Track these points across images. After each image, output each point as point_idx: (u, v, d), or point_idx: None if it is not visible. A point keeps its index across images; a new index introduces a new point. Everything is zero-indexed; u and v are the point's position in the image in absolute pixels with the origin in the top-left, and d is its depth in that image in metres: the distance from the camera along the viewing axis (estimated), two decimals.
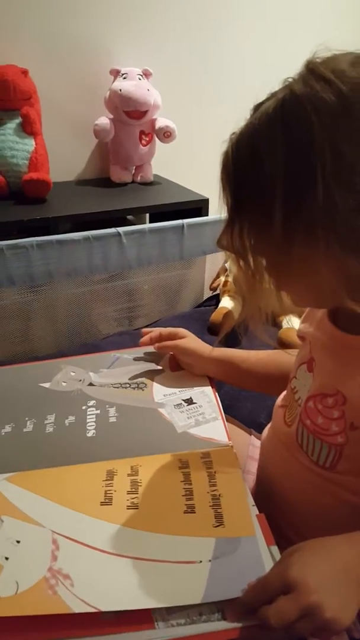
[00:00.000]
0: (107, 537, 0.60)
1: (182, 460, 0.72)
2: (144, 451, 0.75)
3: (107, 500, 0.65)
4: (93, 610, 0.51)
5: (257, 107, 0.53)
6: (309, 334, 0.71)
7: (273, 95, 0.52)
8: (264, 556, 0.56)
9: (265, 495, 0.66)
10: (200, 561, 0.56)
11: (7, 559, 0.57)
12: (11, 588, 0.54)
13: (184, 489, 0.67)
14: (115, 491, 0.67)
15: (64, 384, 0.92)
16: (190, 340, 0.91)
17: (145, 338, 0.93)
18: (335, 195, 0.47)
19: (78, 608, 0.51)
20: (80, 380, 0.93)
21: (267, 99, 0.52)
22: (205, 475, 0.69)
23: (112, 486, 0.68)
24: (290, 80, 0.51)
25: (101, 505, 0.65)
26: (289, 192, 0.49)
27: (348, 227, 0.49)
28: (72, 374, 0.95)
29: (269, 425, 0.79)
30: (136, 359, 0.97)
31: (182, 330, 0.93)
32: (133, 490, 0.67)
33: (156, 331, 0.93)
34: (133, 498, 0.66)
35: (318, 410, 0.63)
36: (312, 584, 0.46)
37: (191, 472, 0.70)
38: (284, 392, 0.75)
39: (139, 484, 0.68)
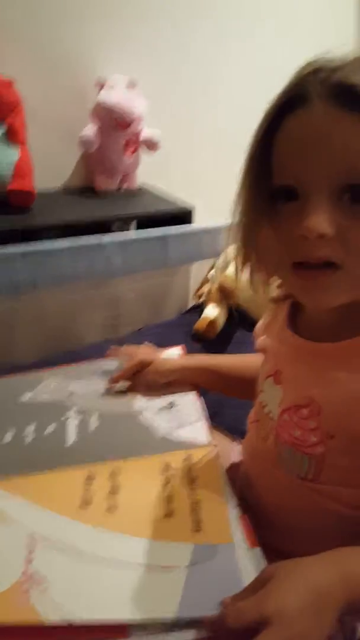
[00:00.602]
0: (84, 539, 0.60)
1: (163, 463, 0.72)
2: (126, 455, 0.75)
3: (85, 503, 0.65)
4: (65, 623, 0.50)
5: None
6: (270, 347, 0.71)
7: None
8: (242, 564, 0.56)
9: (249, 509, 0.66)
10: (177, 567, 0.56)
11: None
12: None
13: (164, 492, 0.67)
14: (94, 494, 0.67)
15: (45, 395, 0.92)
16: (158, 363, 0.90)
17: (116, 377, 0.91)
18: None
19: (51, 618, 0.50)
20: (62, 391, 0.92)
21: None
22: (186, 479, 0.69)
23: (91, 489, 0.67)
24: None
25: (80, 507, 0.64)
26: None
27: None
28: (54, 385, 0.94)
29: (245, 441, 0.79)
30: (118, 367, 0.97)
31: (145, 357, 0.92)
32: (112, 493, 0.67)
33: (126, 369, 0.91)
34: (112, 501, 0.65)
35: (294, 422, 0.63)
36: (291, 618, 0.44)
37: (172, 475, 0.69)
38: (254, 407, 0.75)
39: (119, 487, 0.68)
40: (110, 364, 0.99)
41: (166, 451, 0.75)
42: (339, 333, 0.60)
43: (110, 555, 0.58)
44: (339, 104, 0.50)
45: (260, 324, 0.77)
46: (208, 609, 0.50)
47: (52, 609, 0.51)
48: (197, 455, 0.74)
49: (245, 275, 0.64)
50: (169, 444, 0.77)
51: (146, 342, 1.00)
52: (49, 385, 0.95)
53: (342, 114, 0.50)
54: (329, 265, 0.54)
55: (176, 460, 0.73)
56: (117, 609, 0.52)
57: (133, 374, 0.91)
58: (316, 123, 0.52)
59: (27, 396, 0.92)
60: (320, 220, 0.51)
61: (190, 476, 0.69)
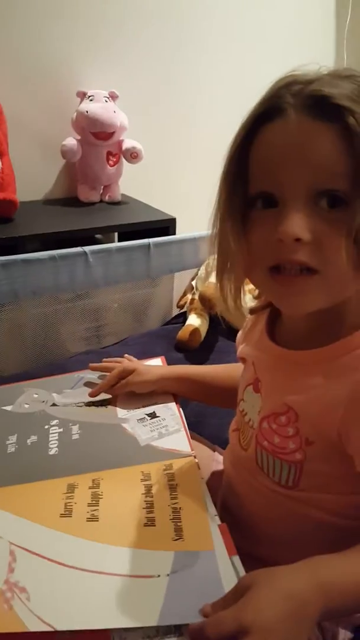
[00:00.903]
0: (66, 549, 0.59)
1: (144, 473, 0.72)
2: (107, 465, 0.75)
3: (67, 512, 0.65)
4: (49, 629, 0.50)
5: None
6: (250, 355, 0.71)
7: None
8: (222, 570, 0.56)
9: (232, 518, 0.66)
10: (159, 575, 0.56)
11: None
12: None
13: (145, 501, 0.67)
14: (75, 503, 0.66)
15: (26, 405, 0.92)
16: (139, 374, 0.91)
17: (95, 391, 0.92)
18: None
19: (33, 626, 0.50)
20: (44, 402, 0.93)
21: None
22: (166, 488, 0.69)
23: (72, 498, 0.67)
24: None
25: (61, 517, 0.64)
26: None
27: None
28: (35, 395, 0.95)
29: (226, 450, 0.79)
30: (100, 378, 0.97)
31: (127, 365, 0.93)
32: (93, 502, 0.67)
33: (103, 383, 0.92)
34: (93, 510, 0.65)
35: (273, 430, 0.63)
36: (269, 628, 0.45)
37: (152, 485, 0.70)
38: (235, 416, 0.76)
39: (100, 496, 0.68)
40: (91, 375, 0.99)
41: (147, 462, 0.75)
42: (316, 340, 0.60)
43: (91, 565, 0.57)
44: (312, 114, 0.52)
45: (240, 333, 0.78)
46: (189, 616, 0.50)
47: (35, 619, 0.51)
48: (178, 464, 0.74)
49: (217, 286, 0.64)
50: (149, 454, 0.77)
51: (126, 355, 1.00)
52: (30, 396, 0.95)
53: (316, 124, 0.52)
54: (305, 271, 0.54)
55: (157, 469, 0.73)
56: (100, 618, 0.51)
57: (113, 386, 0.92)
58: (291, 132, 0.53)
59: (8, 407, 0.92)
60: (297, 225, 0.52)
61: (171, 484, 0.70)
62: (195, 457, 0.76)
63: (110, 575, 0.56)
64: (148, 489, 0.69)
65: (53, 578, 0.56)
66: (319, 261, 0.53)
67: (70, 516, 0.64)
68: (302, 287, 0.55)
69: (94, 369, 0.97)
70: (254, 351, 0.70)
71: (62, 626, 0.50)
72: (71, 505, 0.66)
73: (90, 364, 0.98)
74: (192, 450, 0.78)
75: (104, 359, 0.99)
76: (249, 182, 0.57)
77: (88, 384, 0.96)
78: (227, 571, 0.56)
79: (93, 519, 0.64)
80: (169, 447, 0.79)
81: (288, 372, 0.63)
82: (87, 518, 0.64)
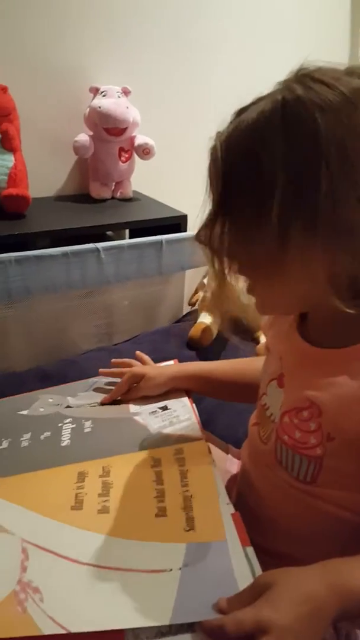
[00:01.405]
0: (77, 545, 0.59)
1: (154, 458, 0.72)
2: (118, 451, 0.76)
3: (77, 505, 0.65)
4: (63, 631, 0.50)
5: (242, 111, 0.54)
6: (278, 349, 0.71)
7: (262, 98, 0.53)
8: (235, 562, 0.55)
9: (247, 512, 0.66)
10: (171, 569, 0.55)
11: None
12: None
13: (156, 489, 0.66)
14: (86, 494, 0.66)
15: (41, 409, 0.93)
16: (149, 379, 0.91)
17: (107, 398, 0.92)
18: (339, 191, 0.48)
19: (48, 629, 0.50)
20: (58, 405, 0.94)
21: (256, 102, 0.53)
22: (177, 474, 0.68)
23: (83, 489, 0.67)
24: (282, 84, 0.52)
25: (72, 509, 0.64)
26: (288, 186, 0.49)
27: (349, 225, 0.50)
28: (50, 400, 0.96)
29: (245, 443, 0.79)
30: (108, 384, 0.98)
31: (136, 370, 0.93)
32: (104, 492, 0.66)
33: (114, 391, 0.93)
34: (104, 501, 0.65)
35: (294, 424, 0.63)
36: (287, 628, 0.45)
37: (163, 471, 0.69)
38: (256, 410, 0.75)
39: (110, 485, 0.67)
40: (104, 380, 1.00)
41: (158, 447, 0.75)
42: (344, 339, 0.60)
43: (103, 560, 0.57)
44: None
45: (266, 324, 0.77)
46: (203, 612, 0.50)
47: (49, 622, 0.50)
48: (189, 448, 0.74)
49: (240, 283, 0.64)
50: (160, 440, 0.78)
51: (138, 352, 1.00)
52: (45, 401, 0.96)
53: None
54: None
55: (167, 455, 0.72)
56: (113, 618, 0.51)
57: (125, 393, 0.92)
58: None
59: (24, 412, 0.93)
60: None
61: (182, 470, 0.69)
62: (205, 440, 0.76)
63: (123, 570, 0.56)
64: (158, 476, 0.68)
65: (65, 576, 0.56)
66: None
67: (81, 508, 0.64)
68: None
69: (104, 374, 0.98)
70: (283, 344, 0.70)
71: (76, 628, 0.50)
72: (82, 497, 0.66)
73: (100, 370, 0.98)
74: (202, 434, 0.78)
75: (113, 360, 0.99)
76: None
77: (99, 389, 0.97)
78: (239, 563, 0.56)
79: (104, 510, 0.64)
80: (180, 433, 0.79)
81: (314, 369, 0.63)
82: (98, 510, 0.64)
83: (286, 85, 0.52)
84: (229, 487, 0.70)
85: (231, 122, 0.55)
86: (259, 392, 0.74)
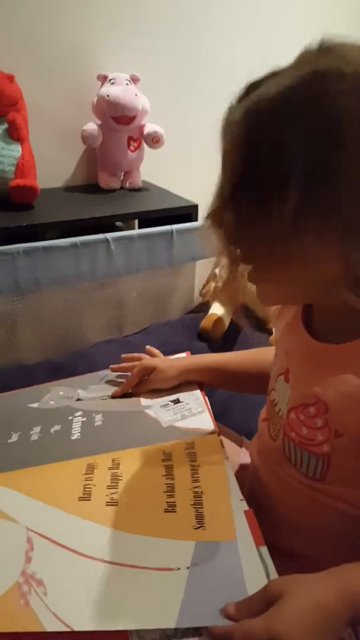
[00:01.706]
0: (84, 537, 0.58)
1: (165, 452, 0.71)
2: (129, 445, 0.74)
3: (85, 496, 0.63)
4: (66, 629, 0.48)
5: (255, 85, 0.51)
6: (283, 343, 0.69)
7: (281, 73, 0.50)
8: (244, 563, 0.54)
9: (257, 508, 0.65)
10: (178, 568, 0.54)
11: None
12: None
13: (166, 484, 0.65)
14: (94, 485, 0.65)
15: (52, 402, 0.92)
16: (160, 371, 0.89)
17: (118, 391, 0.91)
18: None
19: (50, 625, 0.48)
20: (69, 398, 0.93)
21: (273, 76, 0.50)
22: (188, 470, 0.67)
23: (91, 480, 0.66)
24: (301, 59, 0.49)
25: (79, 500, 0.63)
26: (308, 178, 0.47)
27: None
28: (61, 393, 0.95)
29: (254, 439, 0.78)
30: (119, 377, 0.97)
31: (147, 362, 0.91)
32: (113, 484, 0.65)
33: (125, 384, 0.92)
34: (113, 493, 0.63)
35: (301, 421, 0.62)
36: (299, 638, 0.45)
37: (174, 466, 0.68)
38: (265, 405, 0.74)
39: (120, 477, 0.66)
40: (115, 373, 0.98)
41: (169, 440, 0.74)
42: (349, 333, 0.58)
43: (110, 555, 0.56)
44: None
45: (275, 314, 0.75)
46: (209, 616, 0.49)
47: (52, 618, 0.49)
48: (201, 442, 0.72)
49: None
50: (172, 434, 0.76)
51: (147, 346, 0.98)
52: (56, 394, 0.95)
53: None
54: None
55: (178, 449, 0.71)
56: (117, 617, 0.50)
57: (136, 385, 0.91)
58: None
59: (34, 404, 0.92)
60: None
61: (193, 466, 0.68)
62: (219, 434, 0.75)
63: (130, 567, 0.55)
64: (169, 471, 0.67)
65: (70, 569, 0.54)
66: None
67: (89, 499, 0.63)
68: None
69: (115, 370, 0.97)
70: (288, 337, 0.69)
71: (79, 626, 0.49)
72: (90, 488, 0.64)
73: (111, 366, 0.97)
74: (215, 427, 0.76)
75: (123, 356, 0.98)
76: None
77: (110, 382, 0.96)
78: (250, 563, 0.54)
79: (112, 502, 0.62)
80: (192, 426, 0.78)
81: (318, 364, 0.62)
82: (107, 502, 0.62)
83: (306, 59, 0.49)
84: (241, 480, 0.68)
85: (246, 97, 0.51)
86: (269, 386, 0.72)
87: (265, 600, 0.48)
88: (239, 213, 0.52)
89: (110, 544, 0.57)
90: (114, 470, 0.67)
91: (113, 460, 0.69)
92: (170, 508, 0.61)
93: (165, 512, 0.61)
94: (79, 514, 0.61)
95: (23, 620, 0.49)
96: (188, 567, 0.54)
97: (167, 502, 0.62)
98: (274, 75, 0.51)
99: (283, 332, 0.70)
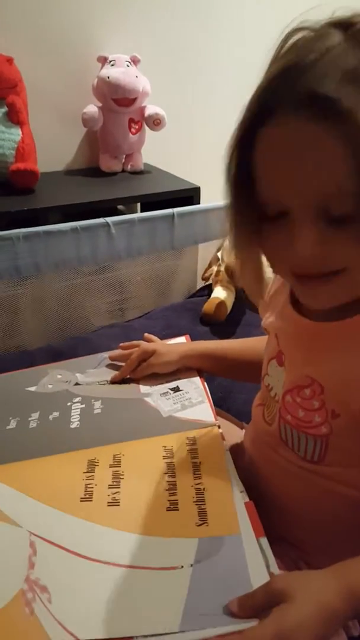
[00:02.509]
0: (86, 539, 0.58)
1: (166, 448, 0.70)
2: (129, 437, 0.74)
3: (87, 496, 0.63)
4: (71, 639, 0.48)
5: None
6: (273, 327, 0.69)
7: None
8: (249, 557, 0.54)
9: (254, 495, 0.65)
10: (182, 566, 0.54)
11: None
12: None
13: (168, 482, 0.65)
14: (96, 485, 0.65)
15: (50, 386, 0.92)
16: (160, 355, 0.89)
17: (117, 376, 0.91)
18: None
19: (56, 636, 0.48)
20: (67, 382, 0.92)
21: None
22: (190, 466, 0.67)
23: (92, 479, 0.65)
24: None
25: (81, 501, 0.62)
26: None
27: None
28: (59, 376, 0.94)
29: (249, 426, 0.77)
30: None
31: (146, 346, 0.91)
32: (114, 484, 0.65)
33: (124, 368, 0.91)
34: (114, 493, 0.63)
35: (297, 403, 0.62)
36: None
37: (175, 463, 0.68)
38: (260, 391, 0.73)
39: (121, 476, 0.66)
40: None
41: (170, 432, 0.74)
42: (339, 313, 0.58)
43: (113, 557, 0.56)
44: (314, 116, 0.45)
45: (264, 299, 0.75)
46: (213, 617, 0.49)
47: (57, 627, 0.49)
48: (201, 438, 0.72)
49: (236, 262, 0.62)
50: (172, 425, 0.76)
51: (146, 334, 0.98)
52: (54, 377, 0.94)
53: (313, 127, 0.45)
54: (329, 274, 0.52)
55: (179, 445, 0.71)
56: (122, 623, 0.50)
57: (135, 369, 0.90)
58: (291, 142, 0.47)
59: (32, 388, 0.92)
60: (307, 244, 0.49)
61: (194, 462, 0.67)
62: (219, 427, 0.74)
63: (133, 568, 0.54)
64: (171, 468, 0.67)
65: (74, 573, 0.54)
66: (340, 263, 0.51)
67: (91, 500, 0.63)
68: (326, 288, 0.53)
69: (114, 360, 0.96)
70: (278, 321, 0.68)
71: (84, 635, 0.48)
72: (91, 488, 0.64)
73: (110, 355, 0.97)
74: (216, 419, 0.76)
75: (121, 344, 0.97)
76: (255, 186, 0.52)
77: (110, 365, 0.95)
78: (253, 557, 0.54)
79: (114, 503, 0.62)
80: (192, 417, 0.77)
81: (310, 344, 0.61)
82: (108, 502, 0.62)
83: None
84: (240, 466, 0.68)
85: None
86: (262, 372, 0.72)
87: (268, 598, 0.48)
88: None
89: (113, 545, 0.57)
90: (115, 469, 0.67)
91: (114, 457, 0.69)
92: (172, 506, 0.61)
93: (167, 510, 0.61)
94: (81, 515, 0.61)
95: (28, 630, 0.49)
96: (192, 565, 0.54)
97: (169, 500, 0.62)
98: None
99: (274, 319, 0.70)
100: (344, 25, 0.47)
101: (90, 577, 0.54)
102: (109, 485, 0.65)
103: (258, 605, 0.48)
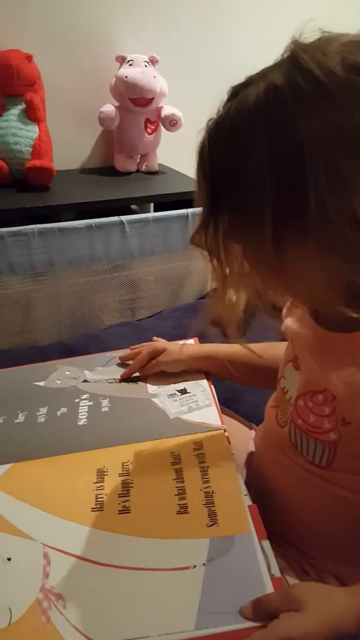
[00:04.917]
0: (99, 546, 0.58)
1: (174, 454, 0.71)
2: (136, 437, 0.74)
3: (98, 506, 0.64)
4: None
5: (235, 92, 0.50)
6: (290, 331, 0.69)
7: (253, 80, 0.49)
8: (260, 554, 0.55)
9: (261, 497, 0.66)
10: (194, 566, 0.54)
11: None
12: (4, 617, 0.51)
13: (177, 487, 0.65)
14: (106, 494, 0.65)
15: (58, 382, 0.92)
16: (169, 353, 0.90)
17: (126, 372, 0.91)
18: (328, 204, 0.44)
19: None
20: (75, 378, 0.93)
21: (247, 84, 0.49)
22: (197, 471, 0.67)
23: (102, 489, 0.66)
24: (274, 68, 0.48)
25: (92, 511, 0.63)
26: (277, 197, 0.46)
27: (340, 235, 0.46)
28: (67, 372, 0.95)
29: (260, 427, 0.78)
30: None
31: (157, 344, 0.92)
32: (124, 492, 0.65)
33: (134, 363, 0.92)
34: (124, 501, 0.64)
35: (309, 408, 0.62)
36: None
37: (183, 469, 0.68)
38: (275, 393, 0.73)
39: (130, 485, 0.66)
40: (123, 354, 0.98)
41: (176, 434, 0.74)
42: (355, 323, 0.56)
43: (125, 561, 0.56)
44: None
45: (287, 305, 0.75)
46: (227, 616, 0.49)
47: (74, 632, 0.50)
48: (207, 442, 0.72)
49: None
50: (179, 428, 0.76)
51: (154, 337, 0.98)
52: (63, 373, 0.95)
53: None
54: None
55: (187, 450, 0.71)
56: (136, 625, 0.50)
57: (144, 367, 0.91)
58: None
59: (41, 383, 0.92)
60: None
61: (202, 467, 0.68)
62: (225, 430, 0.75)
63: (145, 570, 0.55)
64: (179, 474, 0.67)
65: (87, 579, 0.55)
66: None
67: (102, 509, 0.63)
68: None
69: (124, 359, 0.96)
70: (295, 326, 0.68)
71: (100, 638, 0.49)
72: (102, 498, 0.65)
73: (120, 356, 0.97)
74: (222, 424, 0.76)
75: (131, 347, 0.98)
76: None
77: (119, 364, 0.96)
78: (261, 557, 0.55)
79: (125, 510, 0.63)
80: (198, 420, 0.78)
81: (325, 352, 0.61)
82: (119, 510, 0.63)
83: (272, 76, 0.47)
84: (248, 467, 0.68)
85: (223, 107, 0.51)
86: (279, 374, 0.72)
87: (283, 605, 0.49)
88: (216, 231, 0.52)
89: (125, 550, 0.58)
90: (124, 477, 0.68)
91: (122, 465, 0.70)
92: (182, 510, 0.62)
93: (177, 514, 0.61)
94: (93, 524, 0.61)
95: (45, 639, 0.49)
96: (204, 564, 0.54)
97: (178, 505, 0.62)
98: (250, 81, 0.50)
99: (292, 323, 0.70)
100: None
101: (104, 581, 0.54)
102: (119, 494, 0.65)
103: (272, 610, 0.49)
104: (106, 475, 0.68)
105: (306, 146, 0.44)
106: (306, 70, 0.44)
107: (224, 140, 0.49)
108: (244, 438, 0.84)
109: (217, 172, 0.50)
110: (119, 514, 0.62)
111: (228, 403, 0.96)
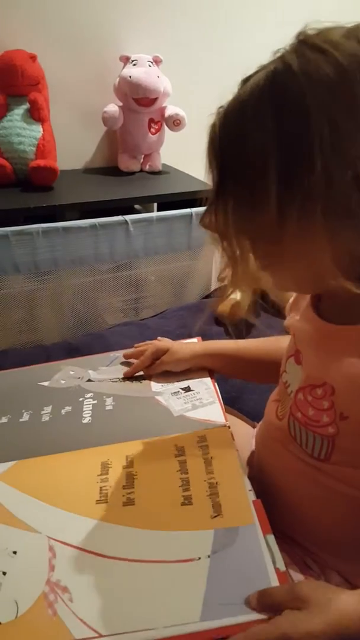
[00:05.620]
0: (104, 539, 0.58)
1: (177, 447, 0.71)
2: (140, 435, 0.75)
3: (102, 498, 0.64)
4: (94, 634, 0.49)
5: (245, 80, 0.51)
6: (294, 326, 0.69)
7: (263, 67, 0.50)
8: (264, 545, 0.55)
9: (262, 492, 0.66)
10: (199, 557, 0.54)
11: (4, 573, 0.55)
12: (11, 610, 0.52)
13: (181, 479, 0.65)
14: (110, 487, 0.65)
15: (62, 381, 0.93)
16: (173, 352, 0.90)
17: (129, 371, 0.92)
18: (333, 167, 0.46)
19: (79, 633, 0.49)
20: (79, 378, 0.93)
21: (257, 72, 0.51)
22: (201, 462, 0.67)
23: (107, 481, 0.66)
24: (281, 51, 0.49)
25: (97, 503, 0.63)
26: (282, 166, 0.47)
27: (346, 203, 0.47)
28: (71, 372, 0.95)
29: (261, 422, 0.78)
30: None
31: (160, 345, 0.92)
32: (128, 484, 0.65)
33: (137, 364, 0.92)
34: (129, 493, 0.64)
35: (308, 402, 0.62)
36: None
37: (187, 460, 0.68)
38: (277, 387, 0.74)
39: (135, 476, 0.67)
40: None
41: (180, 431, 0.74)
42: (356, 316, 0.58)
43: (130, 553, 0.56)
44: None
45: (291, 301, 0.75)
46: (233, 607, 0.49)
47: (80, 625, 0.50)
48: (212, 434, 0.72)
49: None
50: (182, 424, 0.77)
51: (158, 337, 0.99)
52: (67, 373, 0.95)
53: None
54: None
55: (190, 443, 0.71)
56: (142, 617, 0.50)
57: (148, 366, 0.91)
58: None
59: (45, 383, 0.93)
60: None
61: (206, 459, 0.68)
62: (229, 427, 0.75)
63: (150, 562, 0.55)
64: (182, 465, 0.67)
65: (93, 571, 0.55)
66: None
67: (106, 502, 0.63)
68: None
69: (128, 357, 0.97)
70: (298, 322, 0.68)
71: (106, 630, 0.49)
72: (106, 490, 0.65)
73: (124, 353, 0.98)
74: (226, 420, 0.77)
75: (135, 345, 0.98)
76: None
77: (123, 363, 0.96)
78: (266, 550, 0.55)
79: (129, 503, 0.63)
80: (202, 417, 0.78)
81: (326, 346, 0.61)
82: (124, 502, 0.63)
83: (282, 53, 0.49)
84: (251, 463, 0.68)
85: (232, 95, 0.53)
86: (281, 369, 0.72)
87: (289, 600, 0.49)
88: (231, 212, 0.53)
89: (130, 542, 0.58)
90: (129, 470, 0.68)
91: (127, 458, 0.70)
92: (186, 501, 0.62)
93: (182, 505, 0.62)
94: (98, 516, 0.61)
95: (53, 631, 0.49)
96: (209, 556, 0.55)
97: (183, 496, 0.63)
98: (258, 70, 0.51)
99: (294, 318, 0.70)
100: None
101: (109, 573, 0.55)
102: (123, 486, 0.65)
103: (277, 604, 0.49)
104: (110, 467, 0.69)
105: (311, 109, 0.45)
106: (313, 44, 0.47)
107: (232, 116, 0.51)
108: (248, 437, 0.85)
109: (225, 148, 0.51)
110: (124, 506, 0.62)
111: (231, 402, 0.96)
